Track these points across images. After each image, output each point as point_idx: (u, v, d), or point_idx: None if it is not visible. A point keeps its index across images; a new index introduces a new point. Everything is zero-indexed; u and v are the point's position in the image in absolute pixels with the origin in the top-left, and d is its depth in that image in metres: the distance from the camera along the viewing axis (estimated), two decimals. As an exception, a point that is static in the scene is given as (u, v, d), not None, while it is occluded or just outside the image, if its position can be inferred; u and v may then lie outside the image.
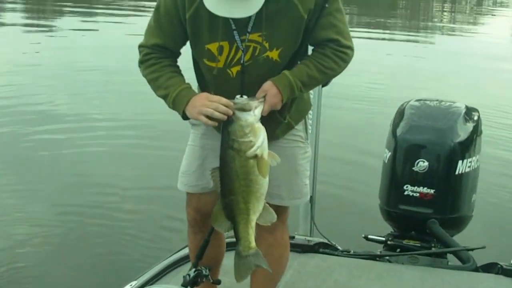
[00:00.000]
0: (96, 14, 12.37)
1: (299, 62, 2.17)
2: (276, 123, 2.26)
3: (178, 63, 2.24)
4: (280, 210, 2.39)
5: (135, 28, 9.92)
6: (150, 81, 2.19)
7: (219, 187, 2.07)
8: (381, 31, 12.19)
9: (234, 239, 2.12)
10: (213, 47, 2.12)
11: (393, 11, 15.35)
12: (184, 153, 2.45)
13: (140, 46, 2.21)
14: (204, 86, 2.27)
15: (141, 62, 2.21)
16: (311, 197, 3.08)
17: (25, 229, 3.96)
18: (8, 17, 11.85)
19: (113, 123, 6.04)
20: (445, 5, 17.74)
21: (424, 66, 8.90)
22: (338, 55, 2.16)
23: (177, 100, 2.12)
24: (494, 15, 16.37)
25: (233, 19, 2.06)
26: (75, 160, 5.07)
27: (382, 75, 8.00)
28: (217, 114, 2.01)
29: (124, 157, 5.20)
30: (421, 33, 12.55)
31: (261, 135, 2.00)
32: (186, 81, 2.18)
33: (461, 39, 11.05)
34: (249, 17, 2.06)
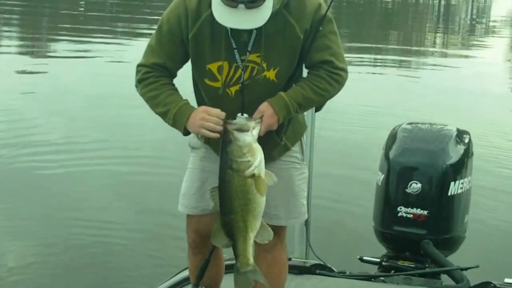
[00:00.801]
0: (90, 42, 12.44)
1: (294, 85, 2.23)
2: (273, 144, 2.32)
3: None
4: (278, 230, 2.44)
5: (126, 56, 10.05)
6: (148, 99, 2.23)
7: (219, 206, 2.13)
8: (372, 57, 12.33)
9: (233, 262, 2.17)
10: (213, 66, 2.19)
11: (385, 40, 15.53)
12: (184, 176, 2.50)
13: (139, 66, 2.25)
14: (201, 102, 2.29)
15: (139, 81, 2.25)
16: (306, 219, 3.12)
17: (15, 259, 3.94)
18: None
19: (103, 147, 6.07)
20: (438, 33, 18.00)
21: (417, 90, 9.02)
22: (332, 77, 2.22)
23: (178, 115, 2.16)
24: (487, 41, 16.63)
25: (234, 38, 2.13)
26: (64, 184, 5.08)
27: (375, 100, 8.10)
28: (218, 128, 2.07)
29: (114, 180, 5.22)
30: (413, 58, 12.71)
31: (259, 155, 2.06)
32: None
33: (450, 70, 11.20)
34: (249, 37, 2.13)
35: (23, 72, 9.32)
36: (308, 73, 2.27)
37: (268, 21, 2.09)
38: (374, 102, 7.90)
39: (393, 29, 18.18)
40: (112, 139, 6.36)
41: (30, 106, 7.69)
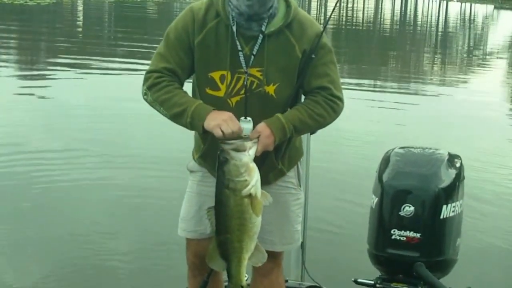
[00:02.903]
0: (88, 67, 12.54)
1: (290, 109, 2.29)
2: (270, 167, 2.37)
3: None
4: (275, 254, 2.48)
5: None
6: (162, 102, 2.23)
7: (214, 226, 2.16)
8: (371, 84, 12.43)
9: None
10: (216, 75, 2.26)
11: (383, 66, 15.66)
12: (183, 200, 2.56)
13: (148, 72, 2.29)
14: None
15: (150, 87, 2.26)
16: (302, 242, 3.17)
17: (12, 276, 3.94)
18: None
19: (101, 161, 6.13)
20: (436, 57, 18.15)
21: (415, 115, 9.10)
22: (329, 104, 2.29)
23: (196, 112, 2.18)
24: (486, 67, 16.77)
25: (241, 51, 2.21)
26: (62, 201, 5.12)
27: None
28: (231, 135, 2.11)
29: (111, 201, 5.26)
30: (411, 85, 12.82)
31: (255, 174, 2.09)
32: None
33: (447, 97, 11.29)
34: (251, 51, 2.22)
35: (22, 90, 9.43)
36: (305, 98, 2.34)
37: (270, 38, 2.20)
38: (370, 128, 7.97)
39: (390, 56, 18.32)
40: (111, 155, 6.42)
41: (27, 120, 7.76)
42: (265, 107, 2.26)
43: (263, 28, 2.21)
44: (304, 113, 2.26)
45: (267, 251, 2.36)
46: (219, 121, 2.13)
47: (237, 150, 2.07)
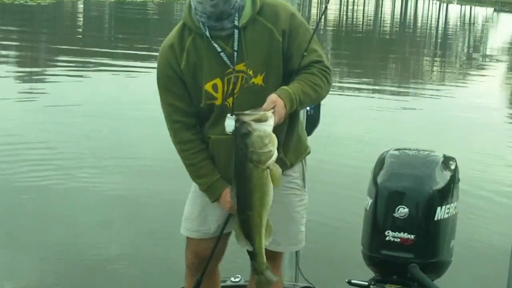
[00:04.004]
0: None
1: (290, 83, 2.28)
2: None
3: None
4: (275, 256, 2.49)
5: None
6: (187, 167, 2.45)
7: (236, 205, 2.12)
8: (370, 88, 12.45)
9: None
10: (208, 86, 2.29)
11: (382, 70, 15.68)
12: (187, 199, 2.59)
13: (169, 129, 2.43)
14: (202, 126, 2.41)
15: (178, 152, 2.46)
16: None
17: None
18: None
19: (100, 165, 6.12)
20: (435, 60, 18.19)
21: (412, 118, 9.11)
22: (324, 74, 2.30)
23: (208, 191, 2.41)
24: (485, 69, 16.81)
25: (223, 52, 2.24)
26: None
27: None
28: None
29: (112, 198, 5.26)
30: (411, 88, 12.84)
31: (276, 144, 2.05)
32: None
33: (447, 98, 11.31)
34: (233, 50, 2.24)
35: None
36: (299, 73, 2.31)
37: (246, 29, 2.22)
38: (369, 129, 7.98)
39: (390, 59, 18.34)
40: (111, 156, 6.42)
41: (27, 123, 7.77)
42: (257, 99, 2.26)
43: (236, 23, 2.24)
44: (304, 84, 2.25)
45: (269, 252, 2.37)
46: (228, 207, 2.35)
47: (259, 120, 2.01)
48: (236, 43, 2.24)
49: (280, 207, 2.38)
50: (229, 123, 2.22)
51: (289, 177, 2.45)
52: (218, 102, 2.30)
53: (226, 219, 2.45)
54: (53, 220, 4.86)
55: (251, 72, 2.27)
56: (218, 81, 2.28)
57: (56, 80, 10.86)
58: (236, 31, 2.24)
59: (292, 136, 2.40)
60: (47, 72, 11.94)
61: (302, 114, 3.12)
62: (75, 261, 4.19)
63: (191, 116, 2.36)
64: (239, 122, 2.01)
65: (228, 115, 2.23)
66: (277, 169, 2.06)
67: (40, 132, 7.33)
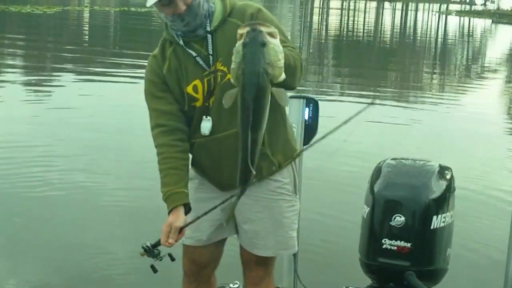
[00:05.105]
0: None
1: None
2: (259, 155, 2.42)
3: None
4: (266, 261, 2.53)
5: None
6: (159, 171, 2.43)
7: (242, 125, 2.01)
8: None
9: None
10: (189, 89, 2.37)
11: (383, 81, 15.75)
12: None
13: (151, 130, 2.46)
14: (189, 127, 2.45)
15: (155, 147, 2.45)
16: (294, 249, 3.22)
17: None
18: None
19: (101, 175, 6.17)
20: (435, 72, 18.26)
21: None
22: (299, 57, 2.29)
23: (167, 202, 2.38)
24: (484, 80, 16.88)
25: (198, 55, 2.33)
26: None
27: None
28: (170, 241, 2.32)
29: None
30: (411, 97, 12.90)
31: None
32: None
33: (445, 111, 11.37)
34: (208, 51, 2.33)
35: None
36: None
37: (217, 31, 2.33)
38: (366, 138, 8.04)
39: (389, 69, 18.42)
40: (111, 158, 6.45)
41: (31, 126, 7.84)
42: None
43: (208, 29, 2.35)
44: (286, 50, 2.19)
45: (259, 258, 2.40)
46: (164, 230, 2.33)
47: (272, 35, 1.96)
48: (210, 47, 2.34)
49: (269, 212, 2.42)
50: (205, 125, 2.34)
51: (279, 183, 2.48)
52: (199, 103, 2.37)
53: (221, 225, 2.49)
54: (58, 224, 4.87)
55: (225, 69, 2.33)
56: (197, 82, 2.36)
57: (61, 85, 10.96)
58: (209, 35, 2.34)
59: (278, 135, 2.44)
60: (52, 78, 12.04)
61: (300, 121, 3.19)
62: (78, 264, 4.22)
63: (177, 120, 2.40)
64: (256, 31, 1.91)
65: (204, 117, 2.33)
66: (280, 91, 2.01)
67: (46, 137, 7.41)
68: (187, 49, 2.35)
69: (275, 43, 1.96)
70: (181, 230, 2.33)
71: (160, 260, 2.43)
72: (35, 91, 10.78)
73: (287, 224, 2.53)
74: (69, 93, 10.47)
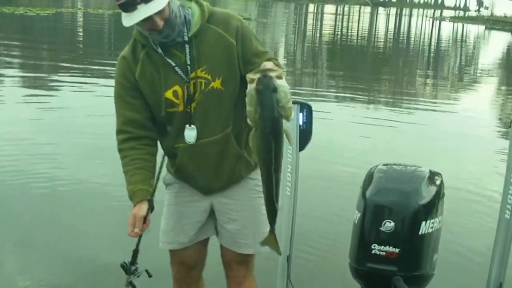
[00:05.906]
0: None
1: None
2: (237, 156, 2.45)
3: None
4: (247, 260, 2.58)
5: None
6: (123, 167, 2.46)
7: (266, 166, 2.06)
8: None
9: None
10: (169, 94, 2.36)
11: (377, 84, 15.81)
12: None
13: (116, 133, 2.46)
14: (165, 136, 2.47)
15: (118, 150, 2.47)
16: (288, 256, 3.27)
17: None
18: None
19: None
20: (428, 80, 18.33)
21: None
22: (277, 62, 2.32)
23: (132, 197, 2.40)
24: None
25: (174, 62, 2.32)
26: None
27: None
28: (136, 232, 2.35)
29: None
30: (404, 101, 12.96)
31: None
32: None
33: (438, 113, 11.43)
34: (185, 58, 2.32)
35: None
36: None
37: (199, 37, 2.32)
38: (359, 144, 8.09)
39: (383, 74, 18.49)
40: (111, 159, 6.44)
41: (29, 128, 7.82)
42: (219, 102, 2.36)
43: (185, 38, 2.32)
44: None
45: (240, 257, 2.44)
46: (130, 222, 2.36)
47: (279, 78, 2.02)
48: (188, 55, 2.32)
49: (248, 210, 2.48)
50: (190, 134, 2.35)
51: (255, 181, 2.51)
52: (180, 108, 2.37)
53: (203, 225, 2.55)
54: (65, 226, 4.88)
55: (209, 77, 2.35)
56: (177, 88, 2.36)
57: (59, 87, 10.96)
58: (186, 45, 2.33)
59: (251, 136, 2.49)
60: (48, 80, 12.05)
61: (295, 127, 3.22)
62: (84, 266, 4.22)
63: (143, 128, 2.41)
64: (267, 78, 1.98)
65: (187, 125, 2.33)
66: (288, 128, 2.08)
67: (49, 138, 7.40)
68: (166, 58, 2.33)
69: (283, 85, 2.01)
70: (145, 220, 2.36)
71: (138, 276, 2.47)
72: (33, 94, 10.76)
73: (264, 221, 2.56)
74: (69, 93, 10.49)
